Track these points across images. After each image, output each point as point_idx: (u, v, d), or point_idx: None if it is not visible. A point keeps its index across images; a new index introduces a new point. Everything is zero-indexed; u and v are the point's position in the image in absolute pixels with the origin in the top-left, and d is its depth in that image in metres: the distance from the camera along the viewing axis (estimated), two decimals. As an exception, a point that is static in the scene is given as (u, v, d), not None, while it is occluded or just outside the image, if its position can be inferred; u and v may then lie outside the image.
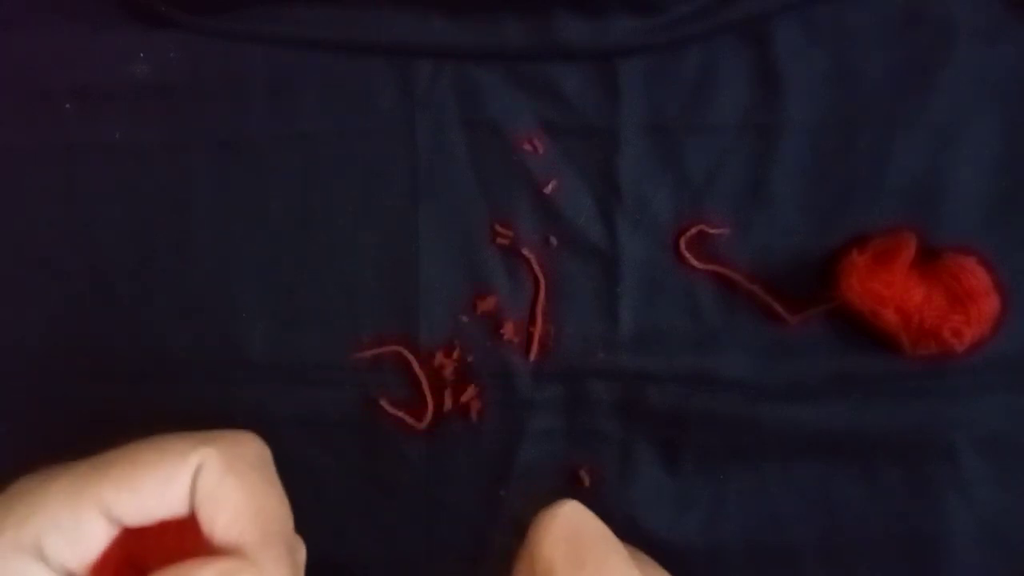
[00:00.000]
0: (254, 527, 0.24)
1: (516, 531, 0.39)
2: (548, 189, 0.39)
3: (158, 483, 0.24)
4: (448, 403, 0.39)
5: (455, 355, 0.39)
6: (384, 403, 0.39)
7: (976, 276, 0.36)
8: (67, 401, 0.40)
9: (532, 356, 0.39)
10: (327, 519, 0.40)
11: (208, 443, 0.25)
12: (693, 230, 0.39)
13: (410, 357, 0.39)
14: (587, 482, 0.39)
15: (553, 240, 0.39)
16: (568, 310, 0.39)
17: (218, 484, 0.24)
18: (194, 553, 0.24)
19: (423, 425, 0.39)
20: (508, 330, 0.39)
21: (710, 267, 0.39)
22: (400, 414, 0.39)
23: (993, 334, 0.37)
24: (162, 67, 0.39)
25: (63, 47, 0.40)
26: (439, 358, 0.39)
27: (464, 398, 0.39)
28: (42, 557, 0.24)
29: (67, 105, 0.40)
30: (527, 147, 0.39)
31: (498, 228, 0.39)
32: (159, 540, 0.24)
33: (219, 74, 0.39)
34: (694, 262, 0.39)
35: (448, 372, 0.39)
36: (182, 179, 0.40)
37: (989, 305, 0.36)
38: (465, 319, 0.39)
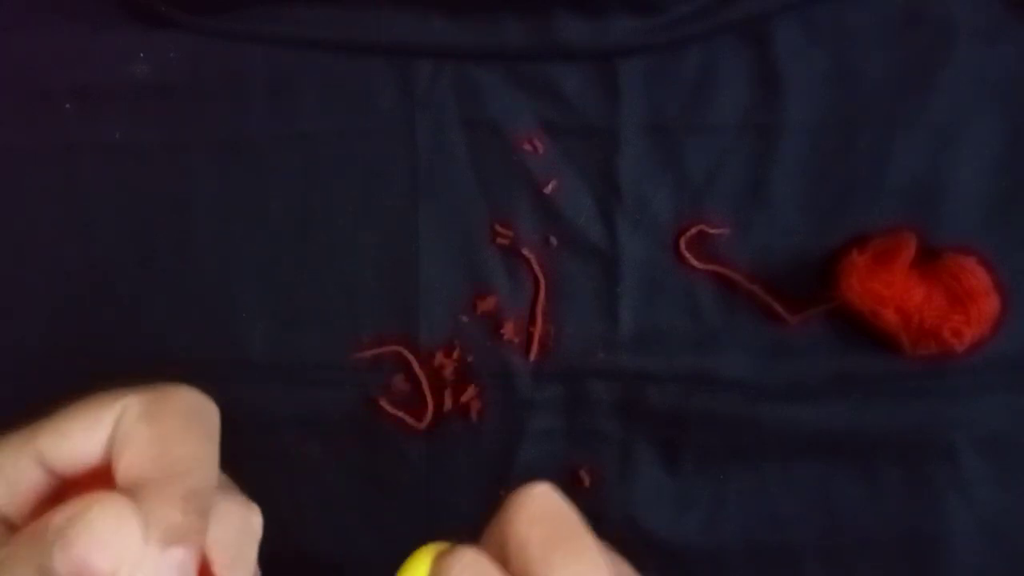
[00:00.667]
0: (154, 468, 0.24)
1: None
2: (548, 189, 0.39)
3: (83, 428, 0.25)
4: (448, 403, 0.39)
5: (455, 355, 0.39)
6: (384, 403, 0.39)
7: (976, 276, 0.36)
8: (67, 401, 0.40)
9: (532, 356, 0.39)
10: (327, 519, 0.40)
11: (136, 392, 0.25)
12: (693, 230, 0.39)
13: (410, 357, 0.39)
14: (587, 482, 0.39)
15: (553, 240, 0.39)
16: (568, 310, 0.39)
17: (131, 426, 0.24)
18: None
19: (423, 425, 0.39)
20: (508, 330, 0.39)
21: (710, 267, 0.39)
22: (400, 414, 0.39)
23: (993, 334, 0.37)
24: (162, 67, 0.39)
25: (63, 47, 0.40)
26: (439, 358, 0.39)
27: (464, 398, 0.39)
28: None
29: (67, 105, 0.40)
30: (527, 147, 0.39)
31: (498, 228, 0.39)
32: (94, 488, 0.24)
33: (219, 74, 0.39)
34: (694, 262, 0.39)
35: (448, 372, 0.39)
36: (182, 179, 0.40)
37: (989, 305, 0.36)
38: (465, 319, 0.39)
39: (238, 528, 0.26)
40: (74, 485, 0.25)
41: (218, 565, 0.25)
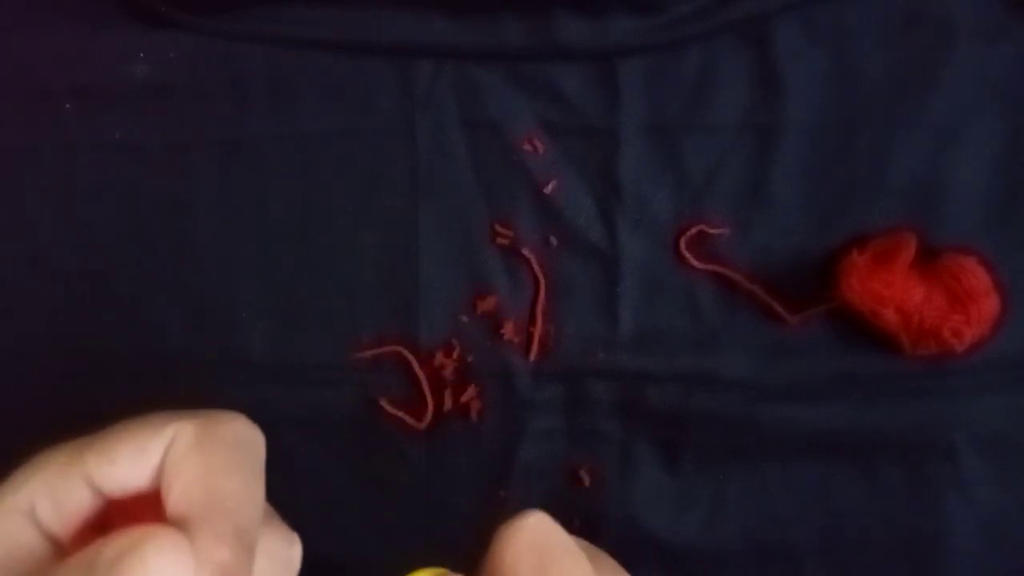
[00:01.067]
0: (204, 502, 0.23)
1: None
2: (548, 189, 0.39)
3: (133, 452, 0.24)
4: (448, 403, 0.39)
5: (455, 355, 0.39)
6: (384, 403, 0.39)
7: (976, 276, 0.36)
8: (67, 401, 0.40)
9: (532, 356, 0.39)
10: (327, 519, 0.40)
11: (189, 418, 0.25)
12: (693, 230, 0.39)
13: (410, 357, 0.39)
14: (587, 482, 0.39)
15: (553, 240, 0.39)
16: (568, 310, 0.39)
17: (182, 456, 0.24)
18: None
19: (423, 425, 0.39)
20: (508, 330, 0.39)
21: (710, 267, 0.39)
22: (400, 414, 0.39)
23: (993, 334, 0.37)
24: (162, 67, 0.39)
25: (63, 47, 0.40)
26: (439, 358, 0.39)
27: (464, 398, 0.39)
28: (34, 520, 0.24)
29: (67, 105, 0.40)
30: (527, 147, 0.39)
31: (498, 228, 0.39)
32: (140, 514, 0.24)
33: (219, 74, 0.39)
34: (694, 262, 0.39)
35: (448, 372, 0.39)
36: (182, 179, 0.40)
37: (989, 305, 0.36)
38: (465, 319, 0.39)
39: (281, 564, 0.27)
40: (121, 508, 0.25)
41: None
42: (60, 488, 0.24)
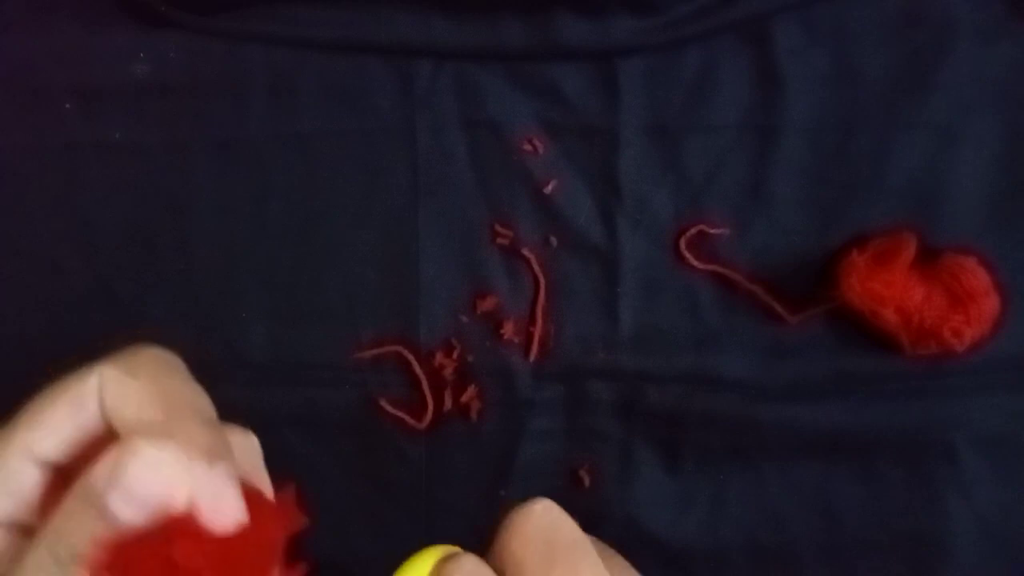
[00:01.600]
0: (161, 407, 0.24)
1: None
2: (548, 189, 0.39)
3: (67, 410, 0.24)
4: (448, 403, 0.39)
5: (455, 355, 0.39)
6: (384, 403, 0.39)
7: (976, 276, 0.36)
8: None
9: (532, 356, 0.39)
10: (327, 519, 0.40)
11: (105, 362, 0.25)
12: (693, 230, 0.39)
13: (410, 357, 0.39)
14: (587, 482, 0.39)
15: (553, 240, 0.39)
16: (568, 310, 0.39)
17: (119, 386, 0.24)
18: None
19: (423, 425, 0.39)
20: (508, 330, 0.39)
21: (710, 267, 0.39)
22: (400, 414, 0.39)
23: (993, 334, 0.37)
24: (162, 67, 0.39)
25: (63, 47, 0.40)
26: (439, 358, 0.39)
27: (464, 398, 0.39)
28: None
29: (67, 105, 0.40)
30: (527, 147, 0.39)
31: (498, 228, 0.39)
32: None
33: (219, 74, 0.39)
34: (694, 262, 0.39)
35: (448, 372, 0.39)
36: (182, 179, 0.40)
37: (989, 305, 0.36)
38: (465, 319, 0.39)
39: (248, 448, 0.27)
40: (83, 463, 0.25)
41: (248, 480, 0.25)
42: (7, 478, 0.24)
